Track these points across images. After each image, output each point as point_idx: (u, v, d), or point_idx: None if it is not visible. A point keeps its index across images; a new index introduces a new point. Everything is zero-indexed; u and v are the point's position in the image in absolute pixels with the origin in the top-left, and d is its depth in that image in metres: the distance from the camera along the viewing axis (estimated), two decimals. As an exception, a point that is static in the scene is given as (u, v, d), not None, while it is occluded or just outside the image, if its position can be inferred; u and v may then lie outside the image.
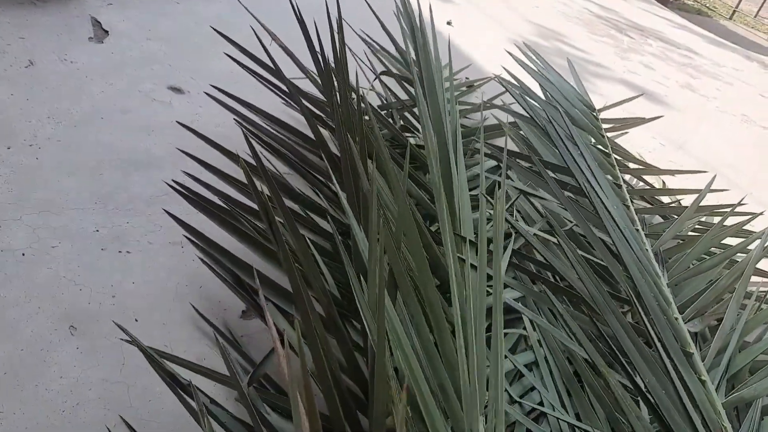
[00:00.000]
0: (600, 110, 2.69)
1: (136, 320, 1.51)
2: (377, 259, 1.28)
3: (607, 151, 2.45)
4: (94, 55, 2.48)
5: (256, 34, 2.12)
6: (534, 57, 2.79)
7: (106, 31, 2.66)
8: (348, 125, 1.66)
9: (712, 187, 2.36)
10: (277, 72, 2.09)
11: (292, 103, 2.14)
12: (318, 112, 2.30)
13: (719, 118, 4.32)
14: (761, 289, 2.10)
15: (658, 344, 1.44)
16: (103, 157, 1.97)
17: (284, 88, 2.17)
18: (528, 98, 2.50)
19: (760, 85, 5.41)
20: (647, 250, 1.92)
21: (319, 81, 2.21)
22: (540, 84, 2.61)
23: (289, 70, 2.32)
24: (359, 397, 1.40)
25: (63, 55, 2.41)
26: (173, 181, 1.61)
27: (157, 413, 1.33)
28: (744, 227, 2.22)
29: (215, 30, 2.21)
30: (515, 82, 2.71)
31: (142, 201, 1.86)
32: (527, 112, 2.40)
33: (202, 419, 1.13)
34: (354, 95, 1.99)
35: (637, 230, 2.00)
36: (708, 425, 1.34)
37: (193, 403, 1.18)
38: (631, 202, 2.18)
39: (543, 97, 2.59)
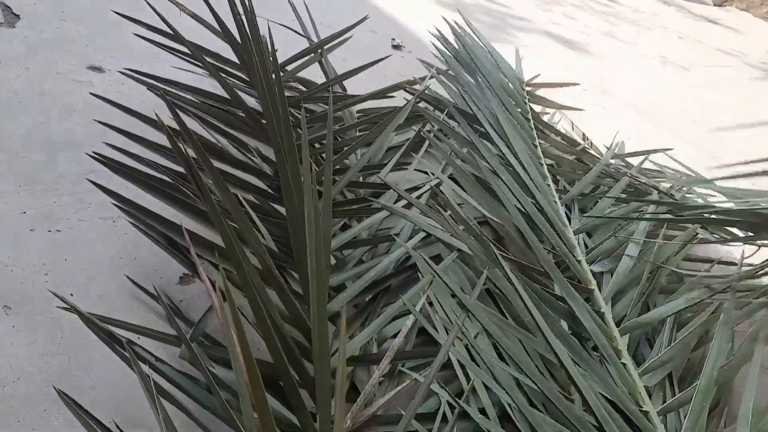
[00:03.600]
0: (529, 82, 2.75)
1: (72, 294, 1.50)
2: (312, 204, 1.31)
3: (527, 116, 2.50)
4: (7, 40, 2.40)
5: (155, 11, 2.10)
6: (465, 25, 2.83)
7: (17, 15, 2.57)
8: (266, 77, 1.67)
9: (637, 128, 2.46)
10: (176, 37, 2.09)
11: (210, 70, 2.13)
12: (242, 76, 2.30)
13: (640, 61, 4.46)
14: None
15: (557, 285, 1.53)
16: (25, 141, 1.93)
17: (203, 58, 2.16)
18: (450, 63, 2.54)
19: (678, 28, 5.60)
20: (555, 201, 2.01)
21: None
22: (468, 53, 2.66)
23: (213, 44, 2.31)
24: (305, 345, 1.44)
25: (-28, 42, 2.33)
26: (95, 152, 1.59)
27: (100, 380, 1.33)
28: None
29: (117, 13, 2.19)
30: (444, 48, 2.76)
31: (69, 180, 1.83)
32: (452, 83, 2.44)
33: (141, 375, 1.15)
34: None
35: (548, 185, 2.09)
36: (601, 351, 1.42)
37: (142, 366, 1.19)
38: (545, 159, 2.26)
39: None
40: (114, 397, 1.32)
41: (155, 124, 1.80)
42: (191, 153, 1.58)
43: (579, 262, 1.74)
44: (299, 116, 2.19)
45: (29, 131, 1.97)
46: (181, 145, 1.33)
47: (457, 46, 2.74)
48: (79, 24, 2.63)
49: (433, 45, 2.69)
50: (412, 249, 1.67)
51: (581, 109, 2.57)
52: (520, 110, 2.49)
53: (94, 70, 2.37)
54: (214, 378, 1.26)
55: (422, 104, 2.43)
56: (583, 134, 2.93)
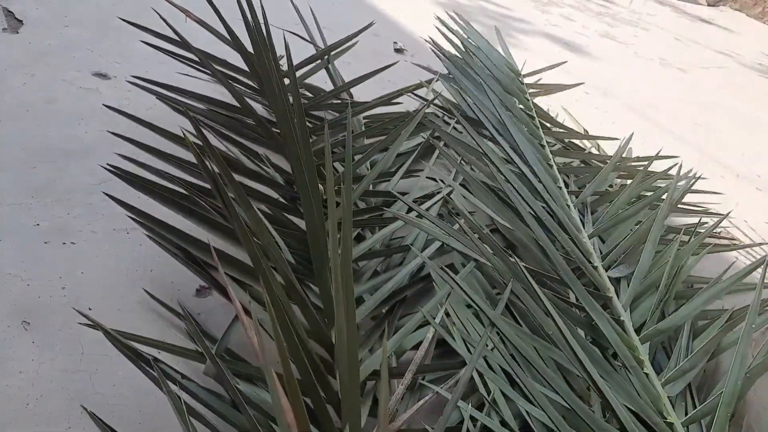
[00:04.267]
0: (527, 75, 2.75)
1: (90, 309, 1.49)
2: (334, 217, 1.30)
3: (531, 114, 2.50)
4: (11, 46, 2.38)
5: (162, 18, 2.09)
6: (462, 24, 2.83)
7: (20, 21, 2.55)
8: (280, 85, 1.66)
9: (638, 133, 2.47)
10: (184, 44, 2.08)
11: (221, 79, 2.11)
12: (250, 83, 2.29)
13: (639, 63, 4.48)
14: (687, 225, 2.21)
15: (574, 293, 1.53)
16: (33, 150, 1.91)
17: (212, 66, 2.15)
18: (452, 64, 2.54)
19: (674, 29, 5.63)
20: (568, 205, 1.99)
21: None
22: (468, 51, 2.66)
23: (215, 48, 2.29)
24: (327, 360, 1.43)
25: (-24, 49, 2.30)
26: (108, 164, 1.58)
27: (123, 396, 1.33)
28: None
29: (122, 19, 2.18)
30: (443, 47, 2.75)
31: (81, 190, 1.82)
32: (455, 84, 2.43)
33: (170, 394, 1.14)
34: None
35: (560, 188, 2.07)
36: (622, 361, 1.42)
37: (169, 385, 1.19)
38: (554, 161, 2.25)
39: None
40: (139, 414, 1.31)
41: (167, 134, 1.79)
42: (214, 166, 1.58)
43: (596, 268, 1.74)
44: (310, 124, 2.19)
45: (38, 140, 1.95)
46: (207, 161, 1.32)
47: (453, 50, 2.74)
48: (83, 30, 2.61)
49: (432, 51, 2.68)
50: (427, 259, 1.67)
51: (581, 135, 2.57)
52: (522, 107, 2.50)
53: (100, 77, 2.35)
54: (240, 395, 1.26)
55: (429, 109, 2.43)
56: (585, 130, 2.94)
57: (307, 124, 2.20)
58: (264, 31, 1.92)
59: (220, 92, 2.35)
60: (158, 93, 2.03)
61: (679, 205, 2.28)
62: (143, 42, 2.24)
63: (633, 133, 2.70)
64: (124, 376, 1.35)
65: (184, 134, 1.21)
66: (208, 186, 1.58)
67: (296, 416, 0.96)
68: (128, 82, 2.12)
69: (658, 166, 2.44)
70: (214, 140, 1.93)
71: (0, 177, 1.78)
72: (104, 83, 2.32)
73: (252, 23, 1.89)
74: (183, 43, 2.15)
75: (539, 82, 2.79)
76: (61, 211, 1.73)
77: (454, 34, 2.77)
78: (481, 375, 1.43)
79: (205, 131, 1.93)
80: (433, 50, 2.67)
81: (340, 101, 2.35)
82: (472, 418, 1.36)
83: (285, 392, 0.95)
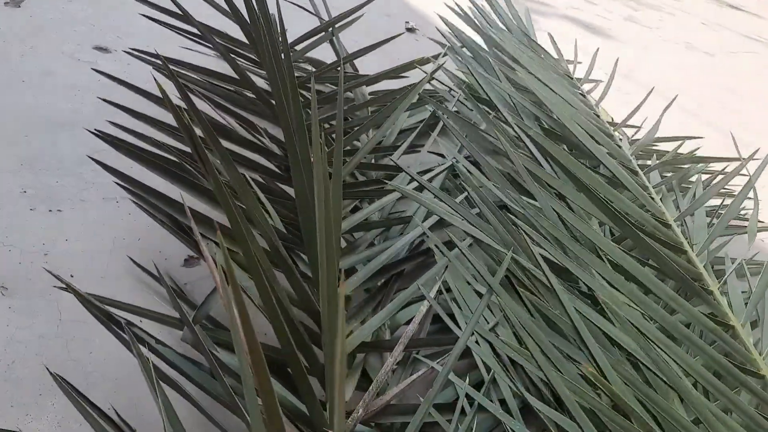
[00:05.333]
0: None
1: (72, 276, 1.44)
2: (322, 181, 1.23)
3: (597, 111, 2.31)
4: (12, 20, 2.35)
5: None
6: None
7: (23, -5, 2.52)
8: (275, 56, 1.60)
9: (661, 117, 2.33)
10: (185, 17, 2.03)
11: (220, 51, 2.05)
12: (251, 57, 2.23)
13: (663, 47, 4.34)
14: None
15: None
16: (27, 120, 1.87)
17: (212, 38, 2.09)
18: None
19: (701, 13, 5.45)
20: (663, 213, 1.70)
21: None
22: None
23: (220, 22, 2.24)
24: (314, 331, 1.37)
25: (-23, 22, 2.27)
26: (96, 130, 1.52)
27: (99, 363, 1.27)
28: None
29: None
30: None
31: (72, 160, 1.77)
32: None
33: (141, 357, 1.08)
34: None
35: (652, 198, 1.75)
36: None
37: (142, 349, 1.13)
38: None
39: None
40: (114, 382, 1.26)
41: (162, 102, 1.73)
42: (198, 132, 1.51)
43: (711, 293, 1.48)
44: (309, 96, 2.12)
45: (32, 110, 1.91)
46: (187, 122, 1.26)
47: (469, 29, 2.63)
48: (86, 5, 2.57)
49: (445, 22, 2.58)
50: (428, 230, 1.59)
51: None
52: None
53: (100, 50, 2.31)
54: (217, 362, 1.19)
55: (437, 84, 2.35)
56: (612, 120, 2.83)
57: (308, 96, 2.13)
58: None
59: (223, 67, 2.28)
60: (155, 64, 1.98)
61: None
62: (144, 16, 2.19)
63: (646, 118, 2.57)
64: (100, 343, 1.30)
65: (163, 93, 1.14)
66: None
67: (259, 379, 0.89)
68: (126, 53, 2.08)
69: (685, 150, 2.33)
70: (210, 111, 1.87)
71: (-10, 145, 1.74)
72: (104, 56, 2.27)
73: None
74: (184, 17, 2.10)
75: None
76: (50, 180, 1.69)
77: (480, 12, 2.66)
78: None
79: (200, 100, 1.87)
80: (445, 22, 2.57)
81: (345, 74, 2.28)
82: (468, 397, 1.28)
83: (247, 349, 0.88)
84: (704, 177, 2.18)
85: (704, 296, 1.46)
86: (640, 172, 1.84)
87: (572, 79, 2.44)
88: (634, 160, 1.89)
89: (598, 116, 2.14)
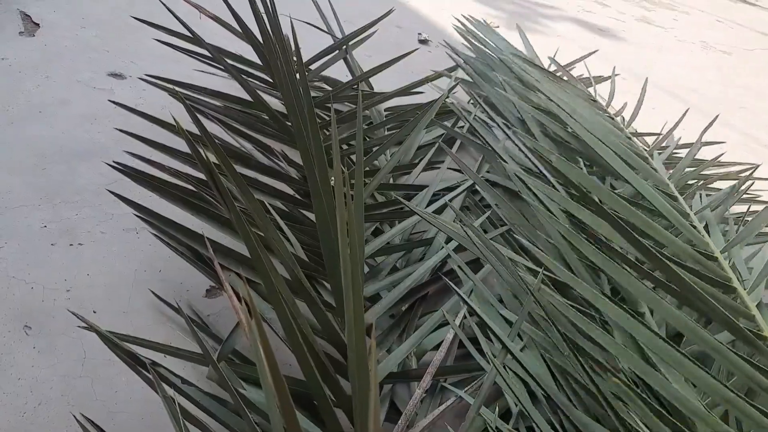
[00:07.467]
0: (568, 65, 2.59)
1: (95, 312, 1.43)
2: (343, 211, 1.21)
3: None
4: (27, 49, 2.36)
5: (174, 15, 2.02)
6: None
7: (37, 24, 2.53)
8: (290, 78, 1.58)
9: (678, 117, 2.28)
10: (196, 39, 2.02)
11: (232, 73, 2.05)
12: (265, 78, 2.22)
13: (679, 46, 4.28)
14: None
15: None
16: (45, 152, 1.87)
17: (223, 61, 2.08)
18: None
19: (716, 11, 5.38)
20: (714, 255, 1.53)
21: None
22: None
23: (235, 45, 2.23)
24: (339, 361, 1.34)
25: (-7, 53, 2.29)
26: (115, 162, 1.52)
27: (125, 403, 1.26)
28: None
29: (137, 19, 2.14)
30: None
31: (91, 192, 1.77)
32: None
33: (166, 398, 1.06)
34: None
35: (693, 226, 1.62)
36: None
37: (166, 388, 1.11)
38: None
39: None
40: (140, 421, 1.24)
41: (176, 130, 1.73)
42: (213, 159, 1.50)
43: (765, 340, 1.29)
44: (325, 117, 2.10)
45: (50, 141, 1.91)
46: (201, 150, 1.25)
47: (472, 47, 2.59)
48: (99, 31, 2.58)
49: (460, 37, 2.56)
50: (452, 252, 1.57)
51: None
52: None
53: (115, 77, 2.31)
54: (243, 399, 1.17)
55: (453, 101, 2.33)
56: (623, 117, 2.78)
57: (324, 115, 2.12)
58: (273, 19, 1.84)
59: (238, 89, 2.28)
60: (171, 90, 1.98)
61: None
62: (157, 40, 2.19)
63: (666, 121, 2.53)
64: (126, 381, 1.29)
65: (175, 121, 1.13)
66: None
67: (285, 415, 0.87)
68: (141, 80, 2.07)
69: (705, 153, 2.29)
70: (225, 136, 1.86)
71: (10, 180, 1.74)
72: (119, 83, 2.28)
73: (259, 12, 1.82)
74: (196, 40, 2.09)
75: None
76: (69, 213, 1.68)
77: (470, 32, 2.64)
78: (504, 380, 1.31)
79: (214, 124, 1.87)
80: (451, 50, 2.55)
81: (361, 92, 2.26)
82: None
83: (274, 390, 0.86)
84: (727, 184, 2.13)
85: (759, 346, 1.23)
86: (680, 198, 1.73)
87: (595, 101, 2.38)
88: (672, 184, 1.81)
89: (630, 138, 2.08)
